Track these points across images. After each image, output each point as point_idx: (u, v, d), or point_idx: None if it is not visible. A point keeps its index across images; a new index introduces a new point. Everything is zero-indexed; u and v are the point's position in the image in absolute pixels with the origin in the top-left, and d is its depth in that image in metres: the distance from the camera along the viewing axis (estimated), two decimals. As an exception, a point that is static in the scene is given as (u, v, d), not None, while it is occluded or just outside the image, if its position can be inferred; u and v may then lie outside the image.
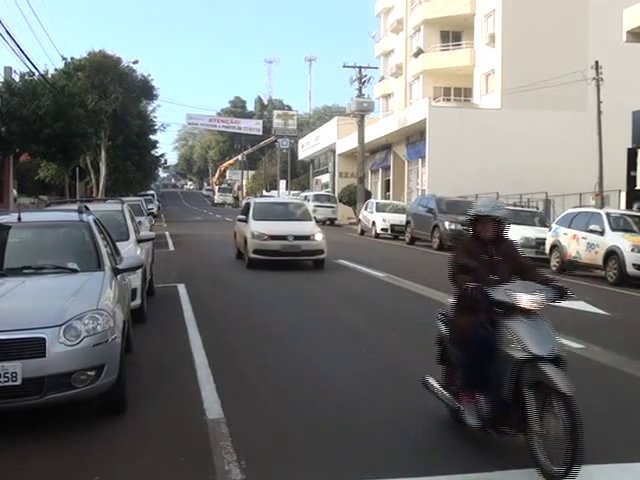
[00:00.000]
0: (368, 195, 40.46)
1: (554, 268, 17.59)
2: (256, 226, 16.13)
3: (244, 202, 30.17)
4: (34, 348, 4.89)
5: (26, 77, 28.43)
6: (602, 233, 15.95)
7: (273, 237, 15.78)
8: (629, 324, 10.62)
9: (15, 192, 32.23)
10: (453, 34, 45.46)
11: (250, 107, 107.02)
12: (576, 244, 16.87)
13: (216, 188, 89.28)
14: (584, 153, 29.65)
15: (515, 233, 19.75)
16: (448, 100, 44.53)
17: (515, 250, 5.15)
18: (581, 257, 16.75)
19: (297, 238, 15.91)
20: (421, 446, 5.05)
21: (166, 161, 74.49)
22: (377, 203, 32.71)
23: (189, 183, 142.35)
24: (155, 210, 44.86)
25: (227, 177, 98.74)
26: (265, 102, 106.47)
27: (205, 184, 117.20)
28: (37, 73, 28.23)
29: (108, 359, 5.21)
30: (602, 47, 30.97)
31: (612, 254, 15.38)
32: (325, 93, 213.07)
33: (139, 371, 6.68)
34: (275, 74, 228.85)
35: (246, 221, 16.71)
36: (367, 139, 41.57)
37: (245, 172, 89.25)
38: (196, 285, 13.39)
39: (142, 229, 12.98)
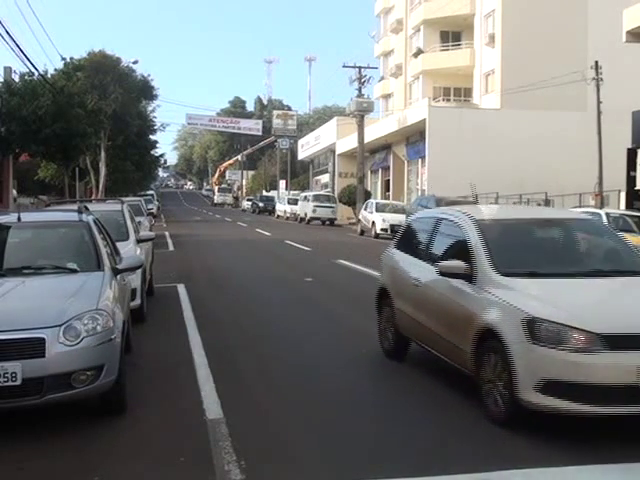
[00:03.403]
0: (368, 195, 40.45)
1: (554, 268, 17.56)
2: (533, 303, 5.21)
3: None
4: (34, 348, 4.89)
5: (26, 77, 28.44)
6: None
7: (615, 341, 4.85)
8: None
9: (15, 192, 32.24)
10: (453, 34, 45.45)
11: (250, 107, 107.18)
12: (576, 244, 16.82)
13: (216, 188, 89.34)
14: (584, 153, 29.63)
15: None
16: (448, 100, 44.52)
17: None
18: (581, 257, 16.70)
19: None
20: (421, 446, 5.05)
21: (166, 161, 74.66)
22: (377, 203, 32.65)
23: (189, 183, 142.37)
24: (155, 210, 44.86)
25: (227, 177, 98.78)
26: (265, 102, 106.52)
27: (205, 184, 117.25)
28: (37, 73, 28.26)
29: (108, 359, 5.21)
30: (602, 47, 30.93)
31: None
32: (325, 93, 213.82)
33: (139, 371, 6.67)
34: (275, 74, 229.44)
35: (461, 276, 5.88)
36: (367, 139, 41.54)
37: (245, 172, 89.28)
38: (195, 285, 13.39)
39: (142, 229, 12.97)
